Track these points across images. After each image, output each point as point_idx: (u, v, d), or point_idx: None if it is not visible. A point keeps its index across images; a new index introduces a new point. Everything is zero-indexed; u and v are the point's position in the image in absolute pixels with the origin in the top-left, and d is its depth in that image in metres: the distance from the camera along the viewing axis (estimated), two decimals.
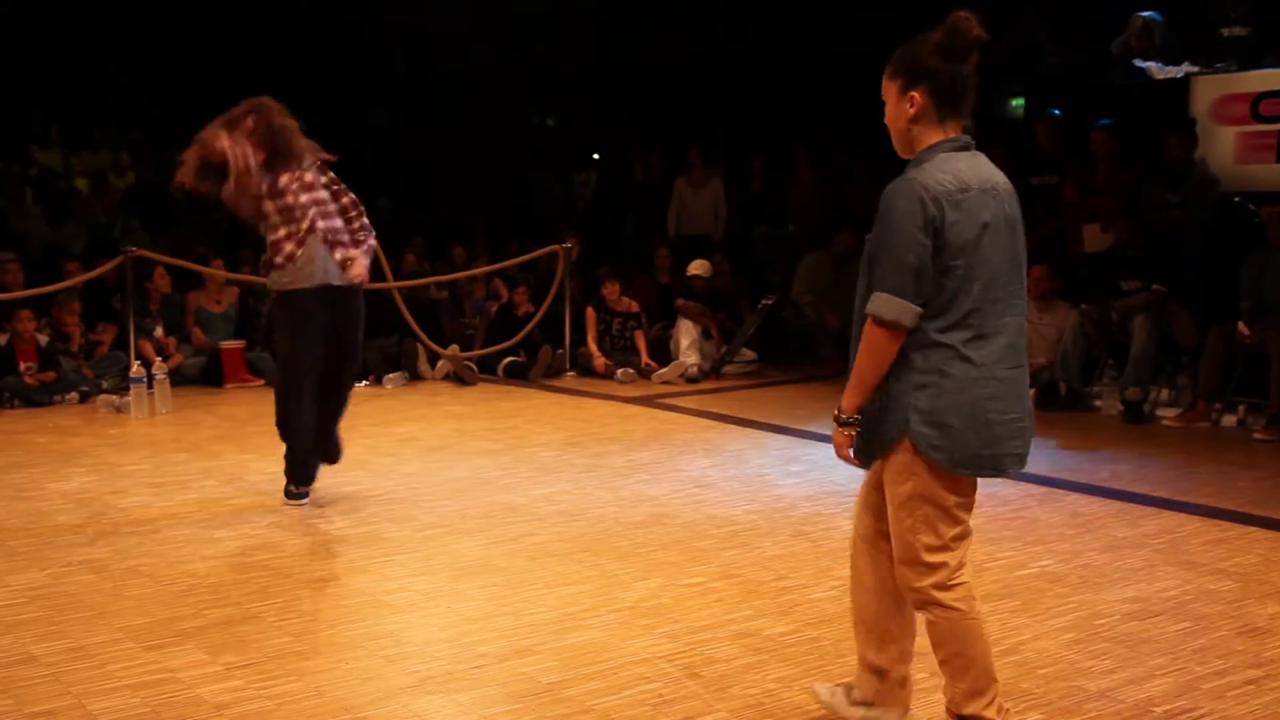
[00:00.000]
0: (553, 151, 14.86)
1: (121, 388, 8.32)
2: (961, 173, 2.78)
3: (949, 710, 2.96)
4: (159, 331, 9.32)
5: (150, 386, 8.05)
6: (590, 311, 9.93)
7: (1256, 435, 7.20)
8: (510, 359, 9.82)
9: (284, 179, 5.43)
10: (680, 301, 10.08)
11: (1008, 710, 3.00)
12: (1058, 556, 4.76)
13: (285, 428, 5.52)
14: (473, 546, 4.91)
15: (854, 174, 10.73)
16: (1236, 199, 8.48)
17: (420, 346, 9.66)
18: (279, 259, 5.37)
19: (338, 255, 5.44)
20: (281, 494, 5.58)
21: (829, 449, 3.04)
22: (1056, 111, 9.43)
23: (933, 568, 2.85)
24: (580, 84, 14.74)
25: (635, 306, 10.06)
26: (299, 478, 5.55)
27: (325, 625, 3.97)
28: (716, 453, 6.76)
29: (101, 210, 12.27)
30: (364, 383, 9.20)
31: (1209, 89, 8.78)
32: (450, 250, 11.42)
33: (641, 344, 9.88)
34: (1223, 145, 8.66)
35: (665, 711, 3.31)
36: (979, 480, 2.92)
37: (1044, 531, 5.13)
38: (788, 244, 11.12)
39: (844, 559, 3.35)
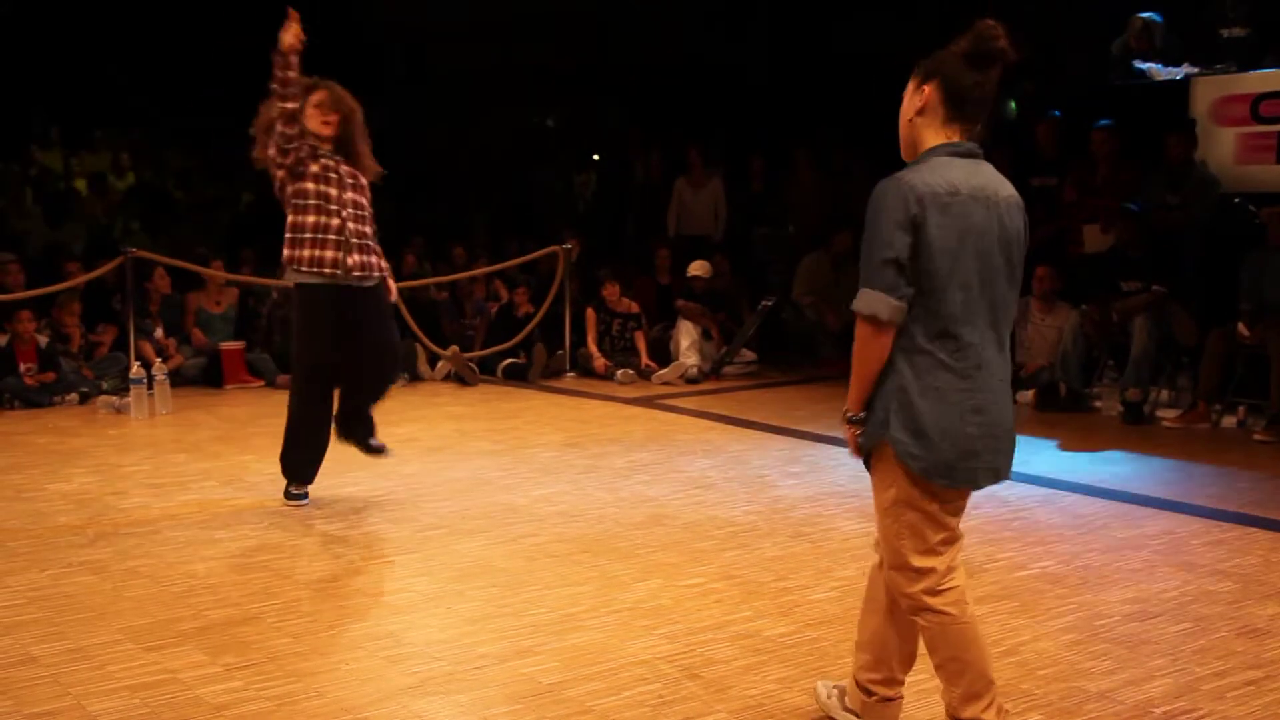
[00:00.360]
0: (553, 152, 14.87)
1: (121, 389, 8.32)
2: (954, 178, 2.75)
3: (948, 714, 2.95)
4: (159, 332, 9.33)
5: (150, 387, 8.05)
6: (590, 312, 9.94)
7: (1256, 436, 7.20)
8: (510, 360, 9.82)
9: (342, 166, 5.35)
10: (680, 302, 10.08)
11: (1007, 712, 3.00)
12: (1058, 557, 4.76)
13: (289, 424, 5.52)
14: (473, 547, 4.91)
15: (854, 174, 10.73)
16: (1236, 200, 8.48)
17: (420, 347, 9.66)
18: (299, 251, 5.28)
19: (361, 257, 5.34)
20: (281, 495, 5.59)
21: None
22: (1056, 112, 9.44)
23: (921, 573, 2.85)
24: (580, 84, 14.74)
25: (635, 307, 10.06)
26: (295, 476, 5.54)
27: (325, 626, 3.97)
28: (716, 454, 6.76)
29: (102, 211, 12.28)
30: None
31: (1209, 90, 8.78)
32: (450, 251, 11.43)
33: (641, 345, 9.88)
34: (1223, 146, 8.65)
35: (665, 712, 3.31)
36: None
37: (1044, 532, 5.13)
38: (788, 244, 11.13)
39: (844, 560, 3.36)
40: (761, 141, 12.16)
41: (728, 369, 9.89)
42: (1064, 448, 6.98)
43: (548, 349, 9.83)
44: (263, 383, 9.32)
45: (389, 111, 15.81)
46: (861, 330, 2.77)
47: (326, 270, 5.28)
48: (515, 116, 15.68)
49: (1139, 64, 9.13)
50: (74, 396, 8.41)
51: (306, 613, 4.10)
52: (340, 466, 6.04)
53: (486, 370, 9.79)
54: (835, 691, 3.24)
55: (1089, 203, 8.79)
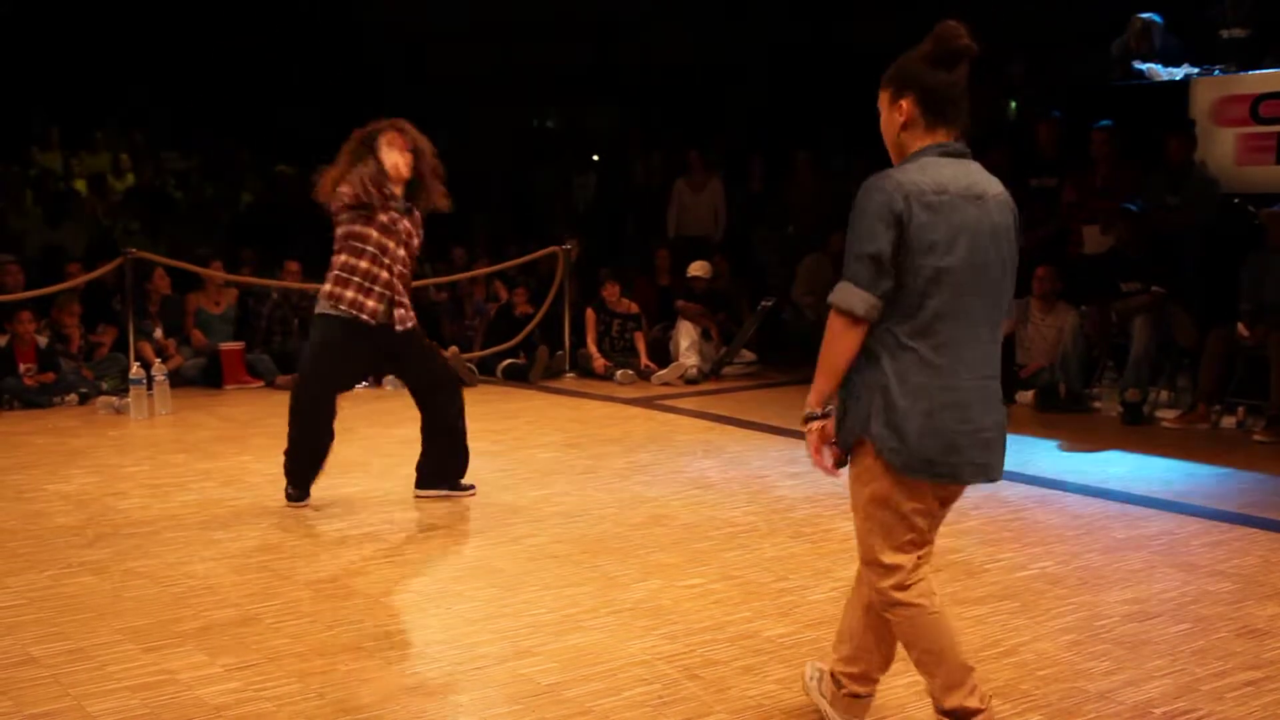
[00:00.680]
0: (553, 153, 14.87)
1: (121, 389, 8.32)
2: (942, 176, 2.75)
3: (935, 708, 2.96)
4: (158, 333, 9.33)
5: (150, 388, 8.05)
6: (590, 313, 9.94)
7: (1256, 437, 7.19)
8: (510, 360, 9.82)
9: (403, 222, 5.45)
10: (680, 303, 10.08)
11: (989, 695, 2.99)
12: (1057, 558, 4.76)
13: (291, 439, 5.53)
14: (472, 548, 4.91)
15: (854, 175, 10.73)
16: (1236, 200, 8.48)
17: None
18: (345, 292, 5.33)
19: (401, 312, 5.45)
20: (282, 495, 5.59)
21: None
22: (1056, 113, 9.44)
23: (890, 569, 2.88)
24: (580, 85, 14.75)
25: (635, 308, 10.06)
26: (295, 480, 5.56)
27: (325, 627, 3.97)
28: (716, 454, 6.76)
29: (101, 212, 12.27)
30: (363, 384, 9.21)
31: (1209, 90, 8.79)
32: (450, 251, 11.42)
33: (641, 345, 9.88)
34: (1222, 147, 8.66)
35: (665, 713, 3.31)
36: (966, 488, 2.95)
37: (1043, 533, 5.13)
38: (788, 245, 11.13)
39: (843, 560, 3.37)
40: (761, 142, 12.16)
41: (727, 369, 9.89)
42: (1064, 448, 6.98)
43: (548, 350, 9.82)
44: (262, 383, 9.31)
45: (389, 112, 15.88)
46: (834, 323, 2.77)
47: (364, 317, 5.35)
48: (515, 117, 15.68)
49: (1139, 64, 9.13)
50: (73, 397, 8.41)
51: (306, 613, 4.09)
52: (340, 467, 6.04)
53: (486, 371, 9.79)
54: (818, 674, 3.28)
55: (1089, 203, 8.79)
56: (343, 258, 5.37)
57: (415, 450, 6.83)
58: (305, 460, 5.53)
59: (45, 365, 8.42)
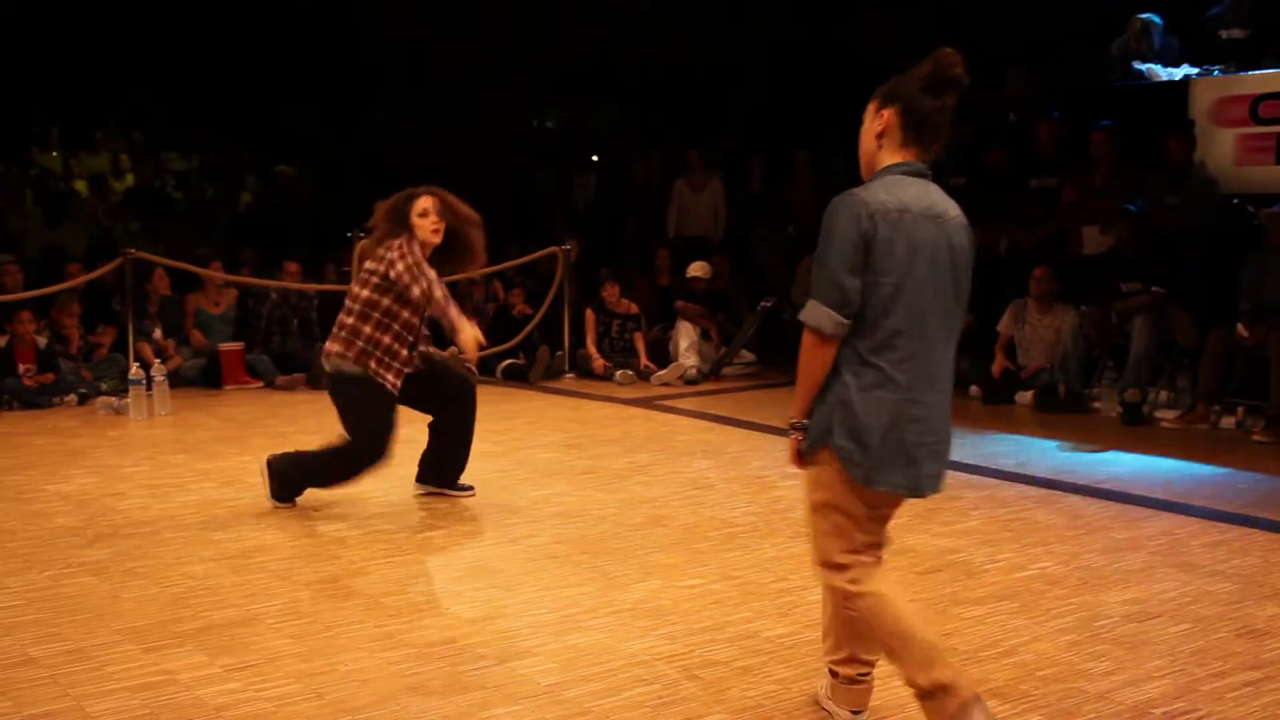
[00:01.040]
0: (552, 153, 14.87)
1: (120, 389, 8.32)
2: (905, 196, 2.86)
3: (914, 692, 2.98)
4: (158, 333, 9.33)
5: (149, 388, 8.05)
6: (589, 313, 9.94)
7: (1256, 437, 7.20)
8: (509, 361, 9.82)
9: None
10: (679, 303, 10.08)
11: (960, 669, 3.01)
12: (1057, 558, 4.76)
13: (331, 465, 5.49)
14: (472, 548, 4.91)
15: (854, 175, 10.70)
16: (1235, 201, 8.49)
17: None
18: (368, 362, 5.30)
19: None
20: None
21: None
22: (1056, 113, 9.44)
23: (845, 567, 2.97)
24: (580, 85, 14.74)
25: (634, 308, 10.06)
26: (290, 491, 5.54)
27: (324, 627, 3.97)
28: (716, 454, 6.76)
29: (101, 212, 12.28)
30: None
31: (1208, 91, 8.79)
32: None
33: (640, 346, 9.89)
34: (1222, 147, 8.66)
35: (664, 713, 3.31)
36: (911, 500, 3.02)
37: (1043, 533, 5.14)
38: (787, 245, 11.12)
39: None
40: (761, 142, 12.16)
41: (727, 370, 9.89)
42: (1063, 448, 6.98)
43: (547, 350, 9.82)
44: (261, 384, 9.31)
45: (389, 112, 15.88)
46: (806, 340, 2.88)
47: (386, 387, 5.35)
48: (515, 117, 15.68)
49: (1139, 65, 9.13)
50: (73, 397, 8.41)
51: (305, 614, 4.09)
52: None
53: (485, 371, 9.78)
54: (825, 683, 3.32)
55: (1089, 204, 8.80)
56: (367, 329, 5.28)
57: (415, 450, 6.82)
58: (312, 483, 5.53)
59: (45, 366, 8.42)
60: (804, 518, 3.06)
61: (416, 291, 5.24)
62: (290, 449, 5.66)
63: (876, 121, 2.96)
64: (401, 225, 5.35)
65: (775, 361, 10.22)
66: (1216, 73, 8.88)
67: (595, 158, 14.74)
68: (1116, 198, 8.59)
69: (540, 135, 15.81)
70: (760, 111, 12.82)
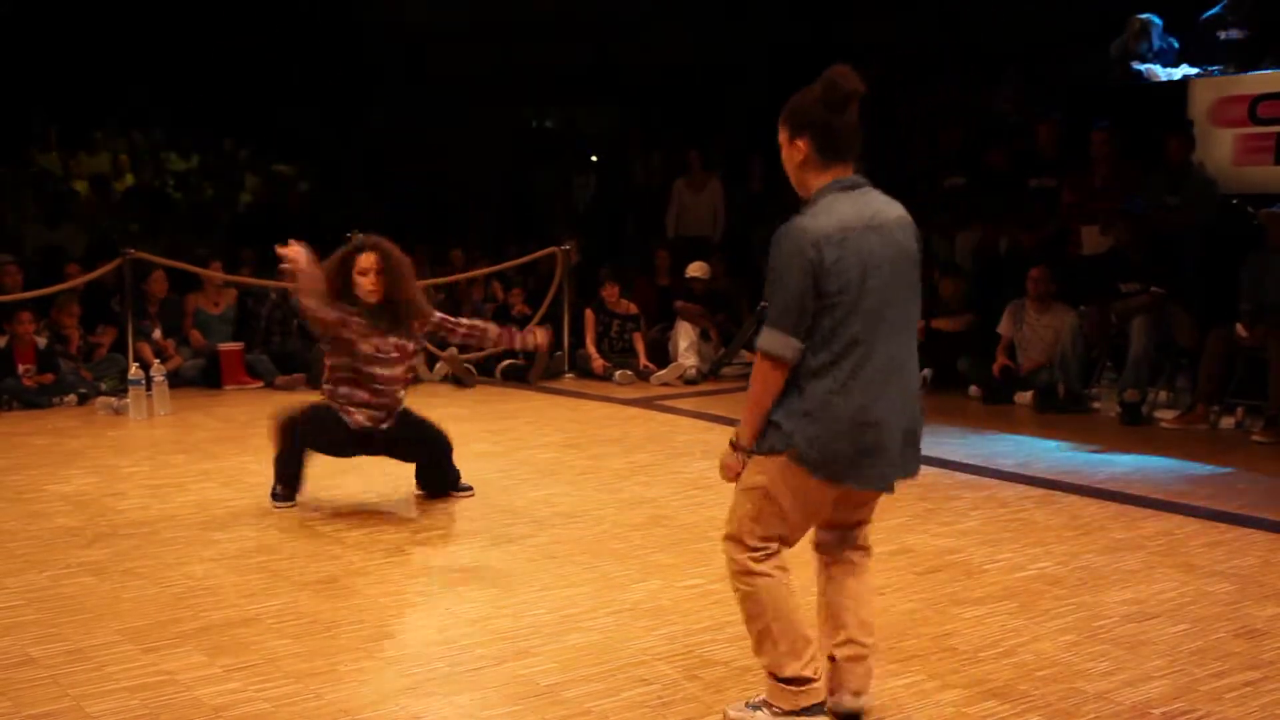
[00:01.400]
0: (552, 153, 14.87)
1: (120, 390, 8.32)
2: (844, 214, 2.96)
3: (770, 674, 3.09)
4: (157, 334, 9.33)
5: (149, 388, 8.05)
6: (589, 313, 9.94)
7: (1255, 437, 7.19)
8: (509, 361, 9.82)
9: (392, 338, 5.53)
10: (679, 303, 10.08)
11: (820, 669, 3.11)
12: (1056, 558, 4.76)
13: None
14: (471, 548, 4.91)
15: None
16: (1235, 201, 8.49)
17: None
18: (332, 401, 5.53)
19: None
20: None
21: None
22: (1056, 113, 9.44)
23: (754, 549, 3.07)
24: (580, 85, 14.74)
25: (634, 308, 10.06)
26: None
27: (323, 627, 3.97)
28: (715, 455, 6.70)
29: (101, 212, 12.28)
30: None
31: (1207, 91, 8.79)
32: (449, 252, 11.42)
33: (640, 346, 9.89)
34: (1221, 147, 8.66)
35: (664, 713, 3.31)
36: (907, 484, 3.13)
37: (1042, 533, 5.14)
38: None
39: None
40: (761, 142, 12.14)
41: (726, 370, 9.88)
42: (1063, 448, 6.98)
43: (547, 350, 9.82)
44: (261, 384, 9.31)
45: (389, 112, 15.88)
46: (763, 366, 2.99)
47: (351, 426, 5.48)
48: (515, 117, 15.68)
49: (1138, 65, 9.13)
50: (73, 398, 8.41)
51: (305, 614, 4.10)
52: (338, 468, 6.05)
53: (485, 371, 9.79)
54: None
55: (1088, 204, 8.79)
56: (324, 381, 5.55)
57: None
58: (289, 465, 5.56)
59: (44, 366, 8.42)
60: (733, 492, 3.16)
61: (321, 318, 5.36)
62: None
63: (794, 152, 3.05)
64: (343, 282, 5.42)
65: None
66: (1216, 73, 8.89)
67: (595, 158, 14.74)
68: (1116, 198, 8.59)
69: (540, 135, 15.81)
70: (760, 111, 12.80)
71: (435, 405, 8.54)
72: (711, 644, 3.83)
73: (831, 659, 3.23)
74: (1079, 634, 3.92)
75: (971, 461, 6.54)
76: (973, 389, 8.71)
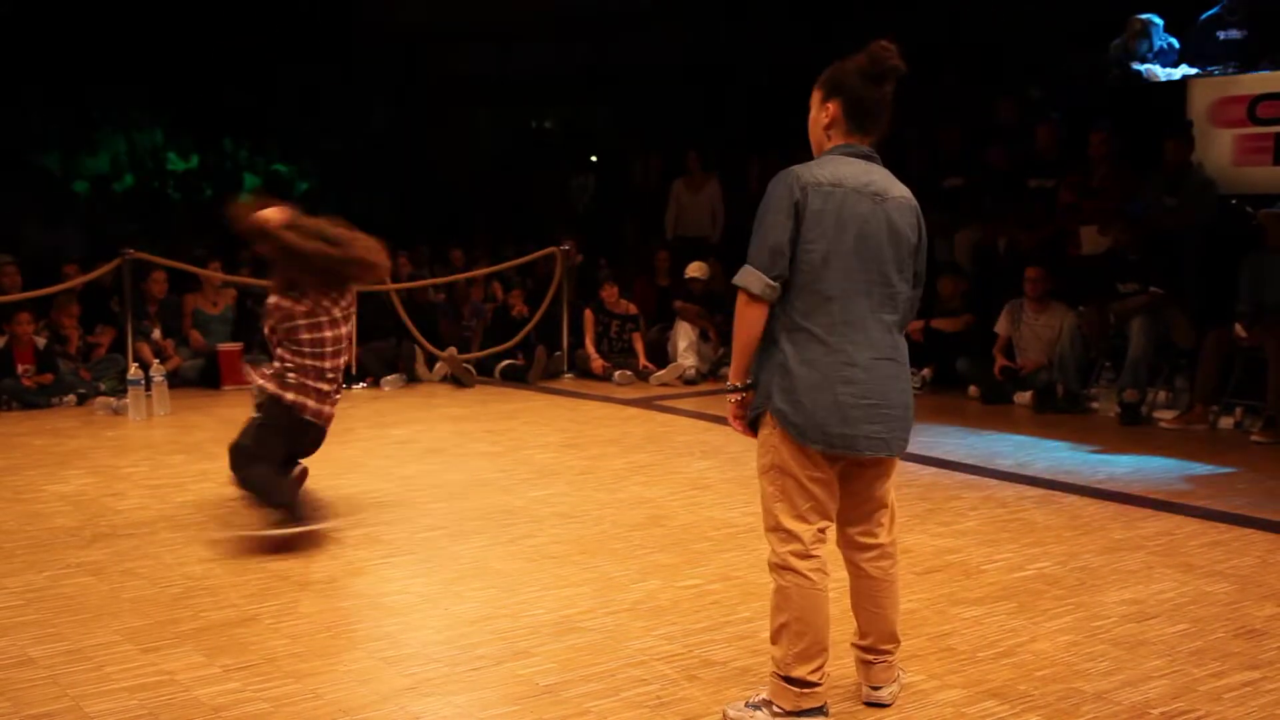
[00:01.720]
0: (551, 154, 14.87)
1: (119, 390, 8.32)
2: (840, 172, 3.04)
3: (776, 672, 3.12)
4: (156, 334, 9.32)
5: (148, 389, 8.05)
6: (588, 314, 9.94)
7: (1254, 437, 7.20)
8: (508, 361, 9.83)
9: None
10: (678, 303, 10.08)
11: (827, 675, 3.16)
12: (1055, 558, 4.76)
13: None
14: (470, 548, 4.91)
15: None
16: (1234, 201, 8.49)
17: (418, 349, 9.66)
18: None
19: None
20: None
21: None
22: (1056, 114, 9.44)
23: (791, 535, 3.10)
24: (579, 85, 14.75)
25: (633, 309, 10.07)
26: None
27: (323, 627, 3.97)
28: (714, 454, 6.76)
29: (101, 212, 12.29)
30: (361, 385, 9.21)
31: (1206, 91, 8.79)
32: (449, 252, 11.42)
33: (639, 346, 9.89)
34: (1220, 148, 8.66)
35: (663, 713, 3.31)
36: (905, 463, 3.22)
37: (1041, 533, 5.14)
38: None
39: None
40: (760, 142, 12.15)
41: (725, 370, 9.89)
42: (1061, 449, 6.99)
43: (546, 351, 9.83)
44: None
45: (389, 112, 15.88)
46: (738, 302, 3.08)
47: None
48: (515, 117, 15.69)
49: (1137, 65, 9.14)
50: (72, 398, 8.41)
51: (304, 614, 4.10)
52: (338, 468, 6.06)
53: (484, 372, 9.79)
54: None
55: (1086, 205, 8.79)
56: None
57: (414, 450, 6.86)
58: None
59: (43, 366, 8.42)
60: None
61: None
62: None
63: (822, 114, 3.14)
64: None
65: None
66: (1215, 73, 8.89)
67: (594, 158, 14.75)
68: (1115, 198, 8.59)
69: (539, 135, 15.82)
70: (759, 112, 12.81)
71: (435, 405, 8.57)
72: (711, 644, 3.83)
73: (858, 655, 3.34)
74: (1078, 634, 3.92)
75: (970, 461, 6.54)
76: (971, 389, 8.71)
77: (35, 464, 6.53)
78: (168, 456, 6.74)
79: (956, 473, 6.30)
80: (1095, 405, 8.26)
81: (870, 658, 3.30)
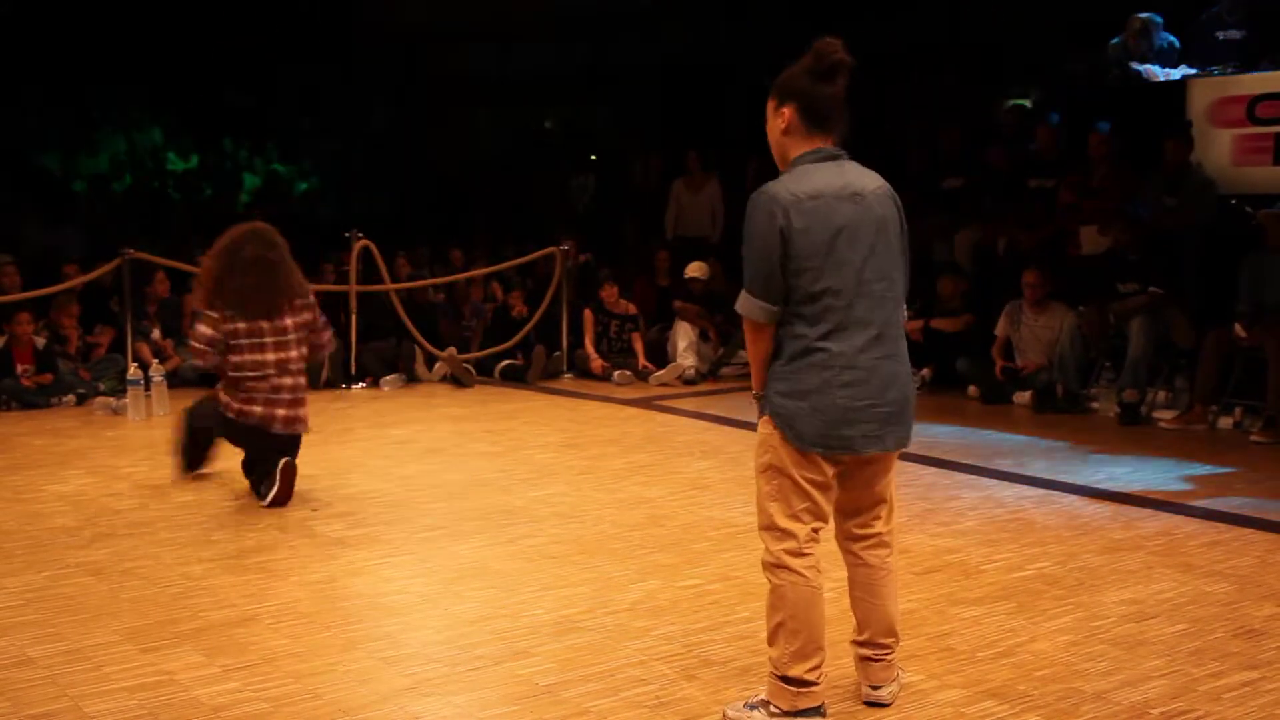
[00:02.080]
0: (551, 154, 14.87)
1: (119, 390, 8.31)
2: (816, 182, 3.05)
3: (773, 672, 3.13)
4: (156, 334, 9.32)
5: (147, 389, 8.04)
6: (588, 314, 9.94)
7: (1253, 437, 7.20)
8: (507, 361, 9.83)
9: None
10: (678, 304, 10.08)
11: (824, 674, 3.16)
12: (1054, 558, 4.76)
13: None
14: (470, 549, 4.91)
15: None
16: (1233, 201, 8.49)
17: (417, 349, 9.66)
18: None
19: None
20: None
21: None
22: (1055, 114, 9.44)
23: (786, 534, 3.11)
24: (579, 85, 14.76)
25: (633, 309, 10.06)
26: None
27: (322, 627, 3.97)
28: (714, 455, 6.76)
29: (100, 212, 12.29)
30: (361, 385, 9.21)
31: (1206, 91, 8.79)
32: (448, 253, 11.42)
33: (639, 346, 9.89)
34: (1219, 148, 8.66)
35: (662, 713, 3.31)
36: (900, 458, 3.24)
37: (1041, 533, 5.14)
38: None
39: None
40: (759, 143, 12.16)
41: (725, 370, 9.89)
42: (1061, 449, 6.99)
43: (545, 351, 9.83)
44: None
45: (389, 112, 15.89)
46: (746, 327, 3.15)
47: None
48: (515, 117, 15.69)
49: (1136, 65, 9.14)
50: (71, 398, 8.41)
51: (303, 614, 4.10)
52: (338, 468, 6.06)
53: (484, 372, 9.79)
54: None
55: (1086, 205, 8.79)
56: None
57: (414, 450, 6.85)
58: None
59: (43, 366, 8.41)
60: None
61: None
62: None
63: (779, 120, 3.18)
64: None
65: None
66: (1214, 73, 8.89)
67: (594, 158, 14.75)
68: (1115, 198, 8.59)
69: (539, 135, 15.83)
70: (759, 112, 12.83)
71: (435, 405, 8.57)
72: (710, 644, 3.83)
73: (856, 653, 3.34)
74: (1077, 634, 3.92)
75: (970, 461, 6.54)
76: (971, 389, 8.71)
77: (35, 464, 6.53)
78: (167, 456, 6.72)
79: (956, 473, 6.30)
80: (1095, 405, 8.26)
81: (869, 654, 3.31)
